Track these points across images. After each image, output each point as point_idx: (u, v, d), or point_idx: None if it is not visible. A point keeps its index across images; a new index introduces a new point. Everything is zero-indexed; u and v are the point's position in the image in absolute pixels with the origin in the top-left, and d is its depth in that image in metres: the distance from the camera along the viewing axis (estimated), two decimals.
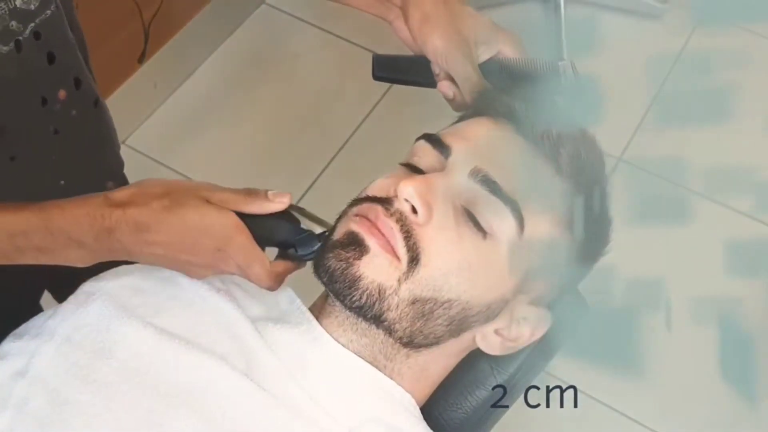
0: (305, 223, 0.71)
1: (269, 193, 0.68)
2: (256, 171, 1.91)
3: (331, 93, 2.05)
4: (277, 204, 0.68)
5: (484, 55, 0.78)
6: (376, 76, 0.85)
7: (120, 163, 0.97)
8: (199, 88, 2.05)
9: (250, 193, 0.68)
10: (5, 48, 0.70)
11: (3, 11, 0.68)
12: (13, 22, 0.69)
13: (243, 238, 0.66)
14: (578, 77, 0.78)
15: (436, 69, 0.79)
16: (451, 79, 0.78)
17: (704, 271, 1.77)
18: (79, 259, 0.67)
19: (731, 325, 1.78)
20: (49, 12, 0.72)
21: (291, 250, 0.70)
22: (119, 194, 0.66)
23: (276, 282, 0.68)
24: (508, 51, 0.78)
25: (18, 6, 0.69)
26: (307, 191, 1.85)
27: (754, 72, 2.11)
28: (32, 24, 0.71)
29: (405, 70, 0.84)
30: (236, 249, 0.66)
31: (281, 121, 2.00)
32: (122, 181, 0.93)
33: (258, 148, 1.95)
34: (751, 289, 1.74)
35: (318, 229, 0.71)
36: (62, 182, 0.82)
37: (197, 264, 0.67)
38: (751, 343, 1.74)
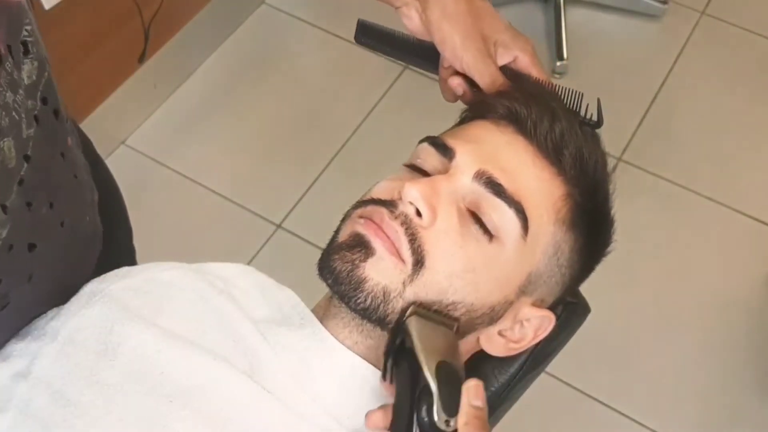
0: None
1: None
2: (257, 171, 1.91)
3: (331, 93, 2.06)
4: None
5: (501, 58, 0.77)
6: (361, 42, 0.84)
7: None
8: (199, 88, 2.05)
9: None
10: (30, 130, 0.63)
11: (21, 97, 0.62)
12: (30, 102, 0.63)
13: None
14: (600, 117, 0.75)
15: (445, 63, 0.79)
16: (461, 76, 0.77)
17: (704, 271, 1.77)
18: None
19: (730, 325, 1.78)
20: (46, 74, 0.66)
21: None
22: None
23: None
24: (524, 59, 0.77)
25: (26, 83, 0.63)
26: (307, 191, 1.85)
27: (753, 72, 2.11)
28: (39, 93, 0.65)
29: (403, 48, 0.82)
30: None
31: (281, 121, 2.01)
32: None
33: (258, 148, 1.95)
34: (749, 288, 1.74)
35: None
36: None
37: None
38: (750, 341, 1.75)
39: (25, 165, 0.61)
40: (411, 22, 0.79)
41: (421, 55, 0.81)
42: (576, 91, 0.75)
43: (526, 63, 0.77)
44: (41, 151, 0.63)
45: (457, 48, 0.75)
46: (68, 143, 0.69)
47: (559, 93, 0.75)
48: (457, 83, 0.78)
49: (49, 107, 0.65)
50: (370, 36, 0.85)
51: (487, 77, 0.75)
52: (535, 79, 0.77)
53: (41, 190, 0.64)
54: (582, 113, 0.75)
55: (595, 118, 0.75)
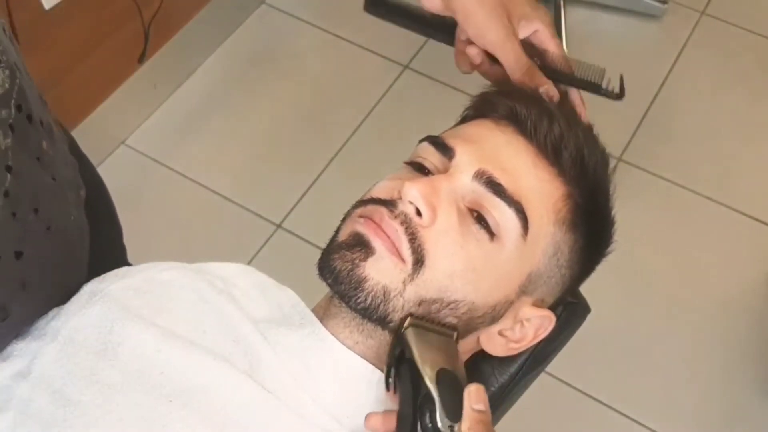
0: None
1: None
2: (257, 171, 1.91)
3: (331, 93, 2.05)
4: None
5: (522, 31, 0.77)
6: (370, 11, 0.83)
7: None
8: (199, 88, 2.05)
9: None
10: (8, 140, 0.63)
11: None
12: (4, 111, 0.63)
13: None
14: (622, 90, 0.76)
15: (462, 36, 0.78)
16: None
17: (703, 271, 1.77)
18: None
19: (730, 325, 1.78)
20: (18, 81, 0.66)
21: None
22: None
23: None
24: (544, 33, 0.77)
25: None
26: (307, 191, 1.85)
27: (753, 71, 2.11)
28: (12, 100, 0.64)
29: (415, 20, 0.81)
30: None
31: (281, 121, 2.01)
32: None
33: (258, 148, 1.95)
34: (749, 288, 1.74)
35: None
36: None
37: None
38: (750, 341, 1.75)
39: (9, 176, 0.61)
40: (430, 2, 0.77)
41: (436, 27, 0.80)
42: (597, 66, 0.76)
43: (546, 36, 0.78)
44: (20, 160, 0.63)
45: (481, 27, 0.74)
46: (43, 146, 0.68)
47: (578, 68, 0.76)
48: (475, 53, 0.77)
49: (23, 114, 0.65)
50: (380, 6, 0.83)
51: (511, 57, 0.75)
52: (553, 55, 0.77)
53: (24, 198, 0.63)
54: (604, 86, 0.75)
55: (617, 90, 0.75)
